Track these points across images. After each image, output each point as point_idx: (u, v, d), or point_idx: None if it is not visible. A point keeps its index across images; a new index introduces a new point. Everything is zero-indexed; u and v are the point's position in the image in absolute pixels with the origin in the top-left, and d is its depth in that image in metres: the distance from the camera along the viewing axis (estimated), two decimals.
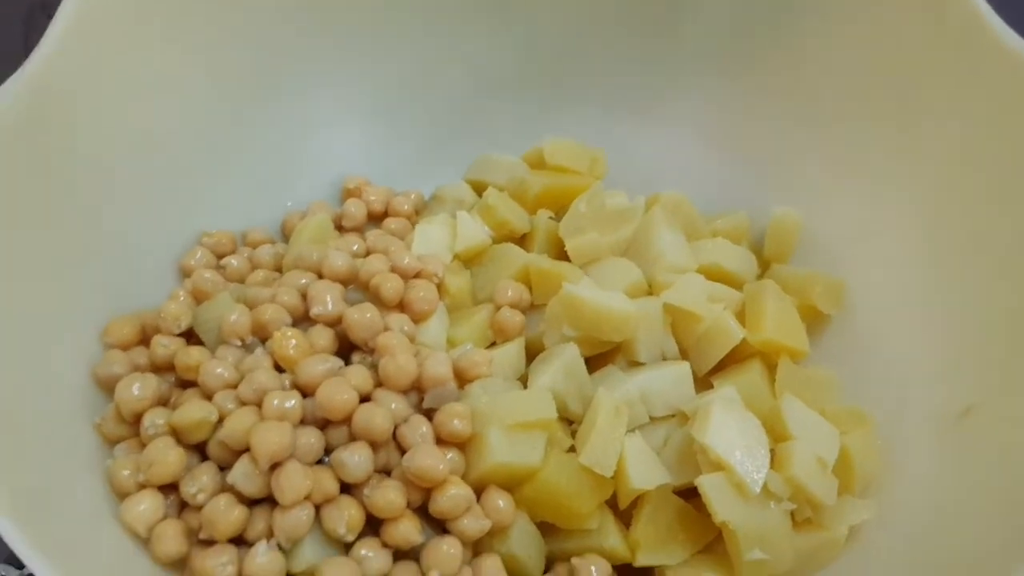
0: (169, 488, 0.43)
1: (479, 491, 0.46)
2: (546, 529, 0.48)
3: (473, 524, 0.44)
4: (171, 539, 0.41)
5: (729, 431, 0.45)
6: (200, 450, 0.45)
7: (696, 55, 0.64)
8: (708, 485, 0.44)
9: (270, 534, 0.42)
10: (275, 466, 0.42)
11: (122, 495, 0.43)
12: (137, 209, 0.53)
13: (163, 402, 0.47)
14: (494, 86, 0.67)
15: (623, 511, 0.48)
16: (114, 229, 0.51)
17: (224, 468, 0.44)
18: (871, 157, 0.58)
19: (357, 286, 0.53)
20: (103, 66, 0.49)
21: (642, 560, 0.47)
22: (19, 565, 0.50)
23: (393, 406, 0.45)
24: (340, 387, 0.44)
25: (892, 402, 0.53)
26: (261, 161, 0.61)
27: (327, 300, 0.49)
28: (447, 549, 0.43)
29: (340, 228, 0.60)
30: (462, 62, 0.65)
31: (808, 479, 0.46)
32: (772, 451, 0.46)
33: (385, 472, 0.45)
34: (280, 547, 0.42)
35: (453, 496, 0.44)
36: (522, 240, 0.59)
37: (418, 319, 0.52)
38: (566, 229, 0.56)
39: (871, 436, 0.51)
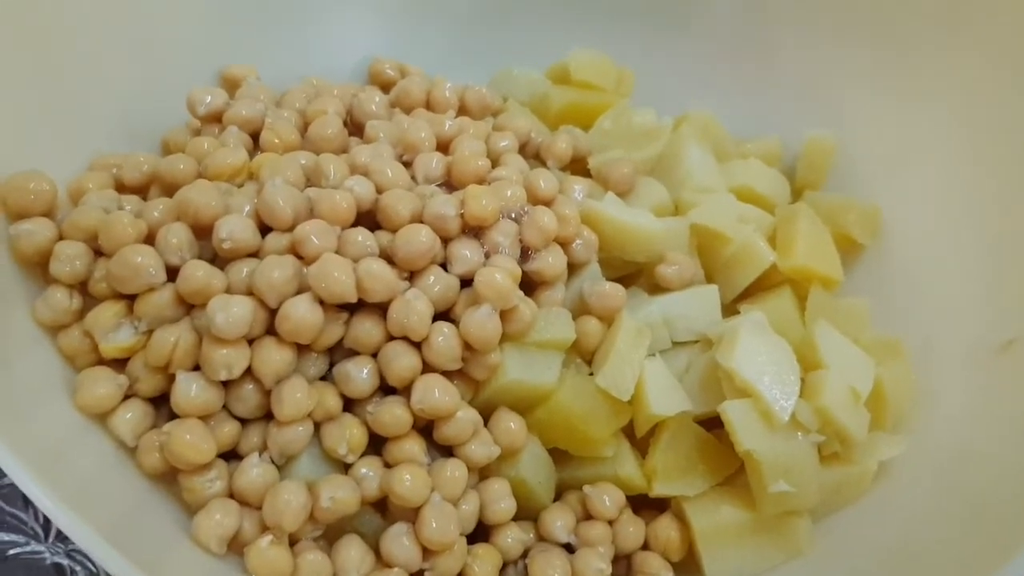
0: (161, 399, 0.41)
1: (488, 413, 0.43)
2: (558, 456, 0.45)
3: (481, 450, 0.41)
4: (158, 450, 0.39)
5: (757, 356, 0.43)
6: None
7: None
8: (732, 412, 0.42)
9: (263, 447, 0.40)
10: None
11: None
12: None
13: None
14: None
15: (639, 440, 0.45)
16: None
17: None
18: (910, 74, 0.54)
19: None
20: None
21: (659, 490, 0.44)
22: None
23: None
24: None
25: (927, 334, 0.50)
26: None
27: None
28: (451, 472, 0.41)
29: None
30: None
31: (840, 410, 0.43)
32: (802, 379, 0.43)
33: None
34: (273, 461, 0.40)
35: (459, 420, 0.41)
36: None
37: None
38: (590, 146, 0.53)
39: (905, 368, 0.48)
